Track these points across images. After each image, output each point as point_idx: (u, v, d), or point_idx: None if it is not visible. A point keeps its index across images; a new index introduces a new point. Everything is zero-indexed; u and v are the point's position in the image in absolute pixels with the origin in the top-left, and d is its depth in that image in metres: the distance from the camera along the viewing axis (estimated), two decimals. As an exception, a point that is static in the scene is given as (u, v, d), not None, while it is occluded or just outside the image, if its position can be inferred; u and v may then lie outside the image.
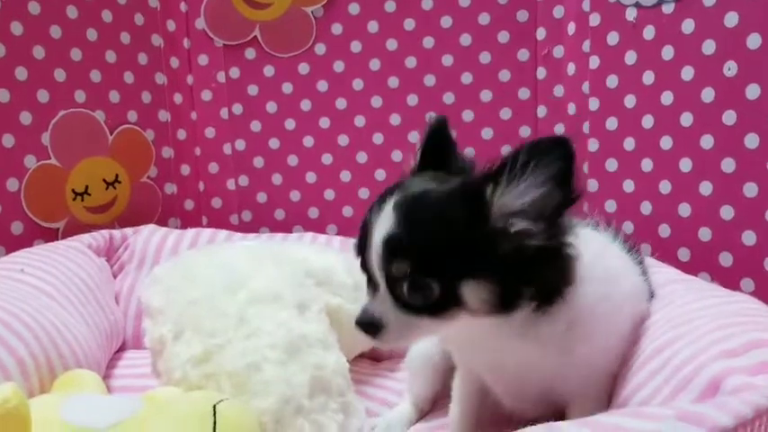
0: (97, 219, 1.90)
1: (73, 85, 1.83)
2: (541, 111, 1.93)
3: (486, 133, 1.99)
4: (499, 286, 0.88)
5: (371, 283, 0.95)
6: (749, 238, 1.47)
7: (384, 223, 0.90)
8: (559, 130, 1.90)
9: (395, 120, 2.03)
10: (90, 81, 1.88)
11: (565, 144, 0.84)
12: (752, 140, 1.44)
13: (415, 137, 2.01)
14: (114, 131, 1.94)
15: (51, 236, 1.78)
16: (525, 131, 1.96)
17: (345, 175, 2.08)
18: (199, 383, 1.11)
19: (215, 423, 0.92)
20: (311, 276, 1.35)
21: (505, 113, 1.97)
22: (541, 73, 1.92)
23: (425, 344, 1.32)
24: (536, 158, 0.84)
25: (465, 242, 0.87)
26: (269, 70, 2.05)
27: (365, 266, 0.94)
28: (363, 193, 2.08)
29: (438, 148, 1.02)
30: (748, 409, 0.67)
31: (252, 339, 1.14)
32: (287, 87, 2.05)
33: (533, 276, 0.89)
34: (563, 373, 1.00)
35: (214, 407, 0.94)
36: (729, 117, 1.48)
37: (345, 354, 1.28)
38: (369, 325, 0.94)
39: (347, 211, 2.10)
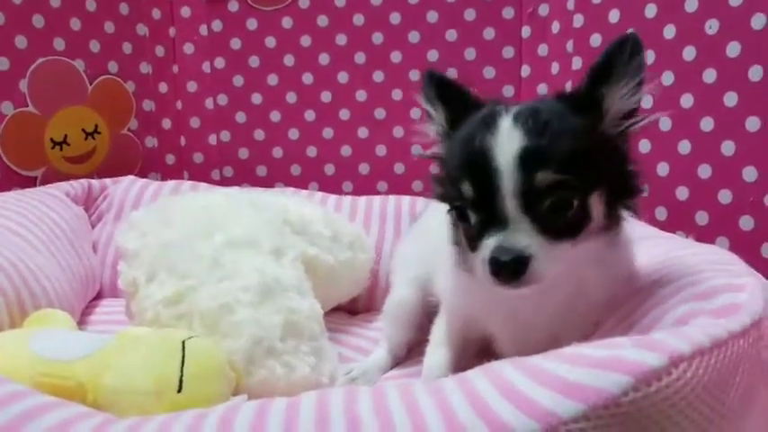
0: (76, 169, 1.89)
1: (52, 32, 1.81)
2: (525, 70, 1.93)
3: (470, 92, 1.98)
4: (611, 197, 0.87)
5: (492, 217, 0.82)
6: (725, 196, 1.48)
7: (511, 137, 0.81)
8: (542, 90, 1.90)
9: (378, 77, 2.02)
10: (69, 29, 1.86)
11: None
12: (731, 98, 1.45)
13: (398, 94, 2.03)
14: (94, 81, 1.92)
15: (30, 184, 1.77)
16: (509, 91, 1.96)
17: (328, 132, 2.07)
18: (170, 324, 1.11)
19: (183, 357, 0.92)
20: (289, 225, 1.34)
21: (489, 72, 1.96)
22: (526, 32, 1.91)
23: (403, 291, 1.32)
24: (633, 57, 0.85)
25: (589, 150, 0.85)
26: (252, 24, 2.03)
27: (484, 197, 0.82)
28: (346, 151, 2.07)
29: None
30: (707, 339, 0.68)
31: (225, 282, 1.13)
32: (270, 41, 2.04)
33: (626, 185, 0.90)
34: (583, 314, 0.97)
35: (183, 342, 0.94)
36: (710, 75, 1.48)
37: (320, 304, 1.28)
38: (515, 263, 0.79)
39: (329, 168, 2.09)
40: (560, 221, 0.83)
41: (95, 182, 1.75)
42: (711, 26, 1.47)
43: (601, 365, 0.64)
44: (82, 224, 1.61)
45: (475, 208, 0.84)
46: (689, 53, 1.51)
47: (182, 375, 0.90)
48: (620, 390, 0.61)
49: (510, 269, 0.80)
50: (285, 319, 1.12)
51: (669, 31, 1.55)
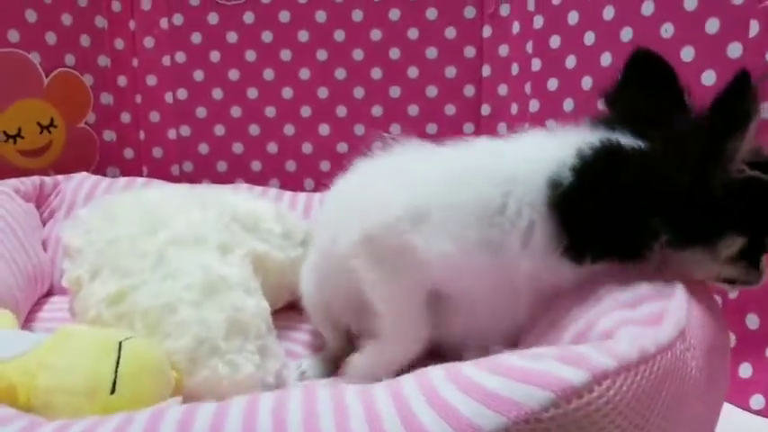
0: (31, 163, 1.86)
1: (6, 24, 1.78)
2: (486, 70, 1.93)
3: (431, 91, 1.98)
4: None
5: None
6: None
7: None
8: (503, 90, 1.90)
9: (340, 74, 2.01)
10: (25, 21, 1.83)
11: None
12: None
13: (360, 92, 2.02)
14: (50, 74, 1.89)
15: (-19, 178, 1.73)
16: (470, 90, 1.96)
17: (289, 129, 2.06)
18: (111, 323, 1.09)
19: (119, 358, 0.90)
20: (237, 221, 1.33)
21: (450, 72, 1.96)
22: (487, 31, 1.91)
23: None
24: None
25: None
26: (213, 18, 2.01)
27: None
28: (306, 148, 2.06)
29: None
30: (634, 352, 0.67)
31: (168, 281, 1.11)
32: (231, 36, 2.02)
33: None
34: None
35: (120, 343, 0.92)
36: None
37: (271, 302, 1.26)
38: None
39: (290, 165, 2.08)
40: None
41: (48, 179, 1.72)
42: (667, 30, 1.47)
43: (525, 379, 0.63)
44: (32, 221, 1.58)
45: None
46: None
47: (115, 376, 0.89)
48: (540, 406, 0.61)
49: None
50: (229, 318, 1.10)
51: (627, 34, 1.55)
